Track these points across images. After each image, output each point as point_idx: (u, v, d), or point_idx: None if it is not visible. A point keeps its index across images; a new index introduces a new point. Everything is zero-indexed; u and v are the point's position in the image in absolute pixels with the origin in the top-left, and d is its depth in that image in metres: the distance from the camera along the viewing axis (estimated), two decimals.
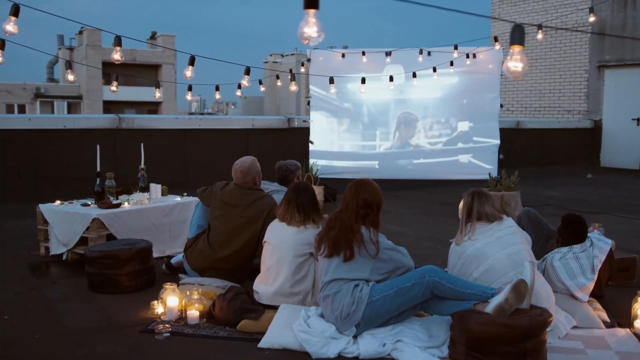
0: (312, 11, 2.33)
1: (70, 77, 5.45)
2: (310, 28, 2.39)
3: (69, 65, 5.51)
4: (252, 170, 4.76)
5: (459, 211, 4.11)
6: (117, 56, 4.96)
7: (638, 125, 14.12)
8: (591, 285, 4.15)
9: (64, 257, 5.38)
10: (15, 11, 4.03)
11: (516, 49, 2.78)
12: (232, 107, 76.09)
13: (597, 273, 4.20)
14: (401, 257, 3.70)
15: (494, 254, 3.77)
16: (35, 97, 39.32)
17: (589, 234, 4.41)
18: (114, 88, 6.40)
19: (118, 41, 4.92)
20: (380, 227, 3.72)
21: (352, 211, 3.66)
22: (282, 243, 4.05)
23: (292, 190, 4.21)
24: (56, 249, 5.43)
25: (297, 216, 4.09)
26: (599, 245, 4.33)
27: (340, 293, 3.53)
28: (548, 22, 14.91)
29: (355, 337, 3.53)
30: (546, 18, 15.29)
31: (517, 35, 2.77)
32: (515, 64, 2.82)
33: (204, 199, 4.94)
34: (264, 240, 4.20)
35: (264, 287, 4.08)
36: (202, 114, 58.51)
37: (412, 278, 3.51)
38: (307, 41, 2.43)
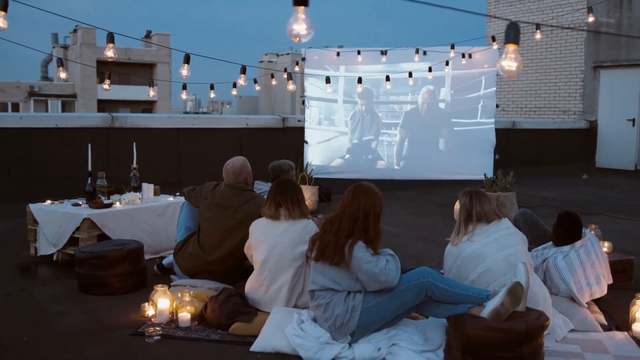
0: (301, 8, 2.29)
1: (62, 75, 5.38)
2: (300, 25, 2.36)
3: (60, 62, 5.43)
4: (244, 171, 4.69)
5: (455, 212, 4.05)
6: (110, 53, 4.90)
7: (633, 126, 14.12)
8: (595, 290, 4.12)
9: (54, 257, 5.30)
10: (4, 5, 3.94)
11: (511, 47, 2.74)
12: (228, 106, 75.96)
13: (601, 283, 4.17)
14: (375, 282, 3.38)
15: (492, 255, 3.72)
16: (29, 95, 39.12)
17: (585, 232, 4.37)
18: (106, 87, 6.34)
19: (111, 38, 4.86)
20: (380, 237, 3.53)
21: (348, 216, 3.49)
22: (277, 245, 3.98)
23: (275, 186, 4.15)
24: (45, 249, 5.35)
25: (284, 211, 4.02)
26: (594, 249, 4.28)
27: (332, 302, 3.44)
28: (544, 23, 14.88)
29: (350, 343, 3.47)
30: (542, 18, 15.27)
31: (512, 34, 2.72)
32: (510, 62, 2.78)
33: (191, 199, 4.85)
34: (255, 241, 4.11)
35: (257, 294, 4.02)
36: (197, 113, 58.38)
37: (406, 281, 3.43)
38: (297, 39, 2.38)
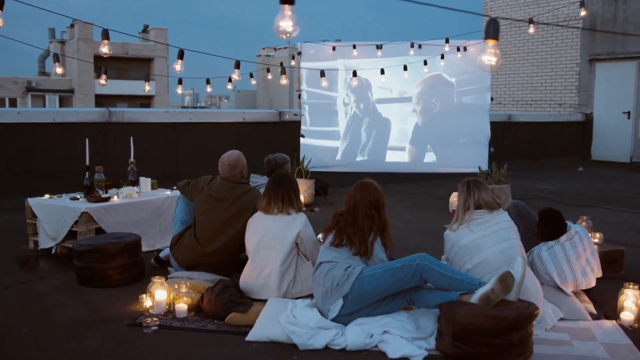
0: (287, 6, 2.38)
1: (59, 70, 5.43)
2: (286, 22, 2.43)
3: (56, 58, 5.48)
4: (240, 164, 4.76)
5: (450, 204, 4.12)
6: (105, 50, 4.94)
7: (629, 118, 14.18)
8: (581, 282, 4.19)
9: (53, 251, 5.36)
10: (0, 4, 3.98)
11: (490, 42, 2.82)
12: (225, 100, 75.83)
13: (587, 276, 4.23)
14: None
15: (489, 247, 3.79)
16: (27, 90, 39.07)
17: (572, 225, 4.42)
18: (102, 82, 6.38)
19: (106, 35, 4.90)
20: (389, 227, 3.90)
21: (361, 212, 3.78)
22: (267, 233, 4.14)
23: (271, 181, 4.32)
24: (45, 243, 5.41)
25: (279, 205, 4.20)
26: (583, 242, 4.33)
27: (333, 269, 3.65)
28: (540, 16, 14.91)
29: (341, 323, 3.58)
30: (538, 11, 15.30)
31: (492, 30, 2.80)
32: (489, 57, 2.85)
33: (187, 192, 4.91)
34: (250, 233, 4.25)
35: (248, 283, 4.14)
36: (195, 107, 58.35)
37: (402, 261, 3.58)
38: (284, 35, 2.46)
